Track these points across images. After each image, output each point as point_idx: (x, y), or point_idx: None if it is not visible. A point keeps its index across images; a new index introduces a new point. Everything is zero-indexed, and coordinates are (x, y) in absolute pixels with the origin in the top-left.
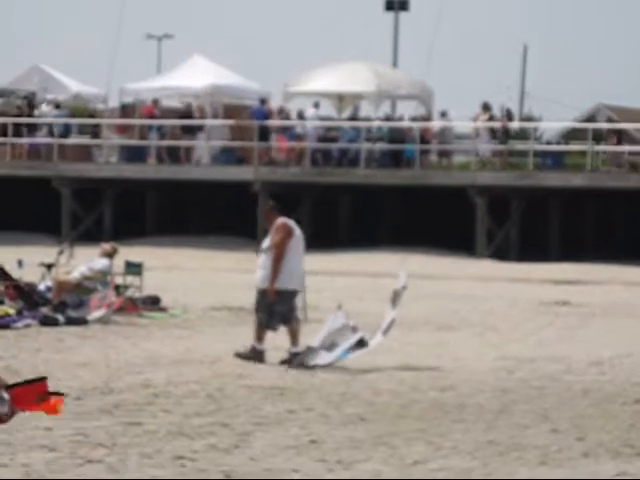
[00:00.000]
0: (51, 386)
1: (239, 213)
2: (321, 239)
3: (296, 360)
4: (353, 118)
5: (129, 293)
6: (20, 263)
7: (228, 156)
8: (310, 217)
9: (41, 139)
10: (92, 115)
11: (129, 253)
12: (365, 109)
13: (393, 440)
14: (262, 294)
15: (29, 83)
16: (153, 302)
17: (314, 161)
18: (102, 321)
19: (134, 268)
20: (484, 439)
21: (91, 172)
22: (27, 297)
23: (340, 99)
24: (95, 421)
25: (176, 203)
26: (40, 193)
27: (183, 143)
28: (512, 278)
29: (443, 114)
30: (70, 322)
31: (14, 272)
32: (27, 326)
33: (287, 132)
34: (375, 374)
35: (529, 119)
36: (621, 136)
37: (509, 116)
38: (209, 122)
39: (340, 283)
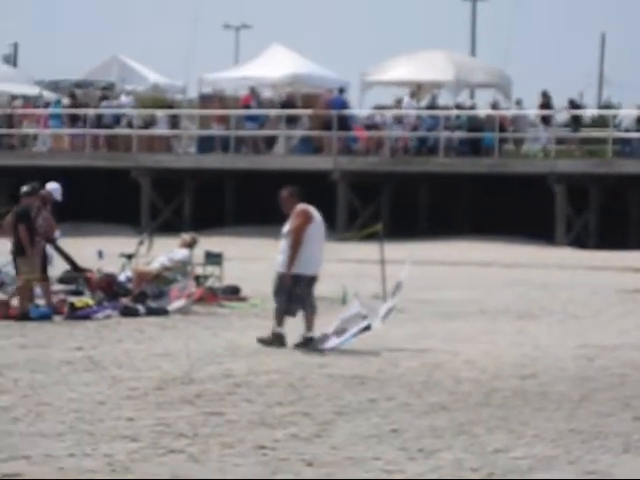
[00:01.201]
0: (132, 376)
1: (317, 203)
2: (400, 228)
3: (310, 345)
4: (431, 107)
5: (209, 283)
6: (100, 254)
7: (306, 146)
8: (389, 206)
9: (121, 130)
10: (170, 106)
11: (208, 243)
12: (443, 98)
13: (474, 429)
14: (281, 279)
15: (108, 74)
16: (233, 292)
17: (405, 150)
18: (182, 311)
19: (214, 258)
20: (566, 427)
21: (170, 162)
22: (106, 288)
23: (418, 88)
24: (176, 411)
25: (254, 193)
26: (120, 184)
27: (261, 133)
28: (592, 266)
29: (518, 102)
30: (150, 312)
31: (94, 263)
32: (107, 317)
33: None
34: (457, 362)
35: (608, 107)
36: None
37: (573, 105)
38: (287, 112)
39: (419, 272)
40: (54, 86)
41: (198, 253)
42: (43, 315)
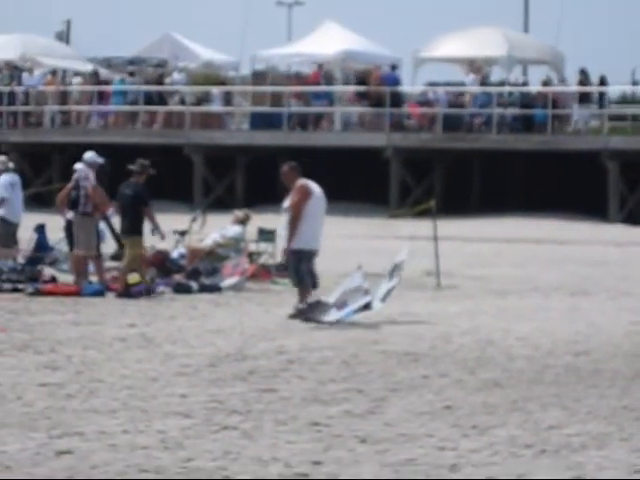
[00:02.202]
0: (185, 353)
1: (370, 179)
2: (453, 204)
3: (303, 314)
4: (484, 83)
5: (262, 260)
6: (153, 231)
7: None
8: (442, 183)
9: (174, 107)
10: (223, 83)
11: (261, 220)
12: (496, 74)
13: (528, 405)
14: (288, 255)
15: (160, 51)
16: (286, 269)
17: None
18: (235, 288)
19: (267, 235)
20: (619, 404)
21: (223, 139)
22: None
23: (471, 64)
24: (230, 388)
25: (307, 170)
26: (173, 161)
27: (314, 110)
28: None
29: (562, 80)
30: (203, 289)
31: (147, 240)
32: (161, 293)
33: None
34: (510, 339)
35: None
36: None
37: (602, 82)
38: (340, 88)
39: (471, 249)
40: (107, 63)
41: (251, 230)
42: (96, 292)
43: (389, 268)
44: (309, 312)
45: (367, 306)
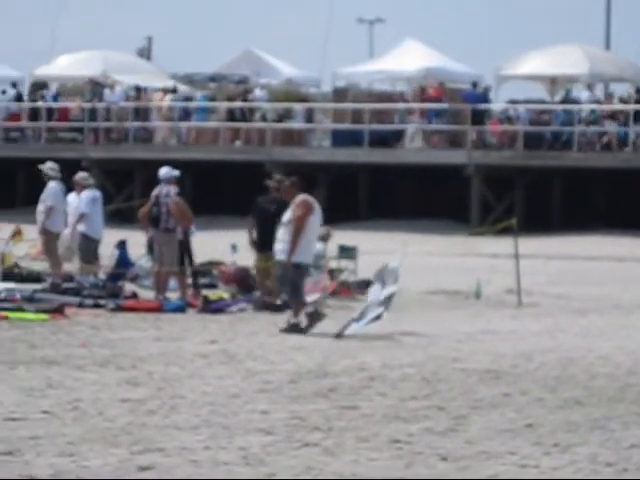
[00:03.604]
0: (267, 369)
1: (451, 197)
2: (534, 222)
3: (297, 328)
4: (565, 101)
5: (343, 277)
6: (234, 247)
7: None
8: (523, 200)
9: (256, 124)
10: (305, 99)
11: (342, 237)
12: (577, 91)
13: (609, 424)
14: (284, 268)
15: (241, 67)
16: (367, 286)
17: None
18: (316, 305)
19: (348, 252)
20: None
21: (304, 156)
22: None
23: (552, 82)
24: (311, 404)
25: (388, 187)
26: (254, 178)
27: (391, 127)
28: None
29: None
30: (284, 306)
31: (228, 256)
32: (242, 310)
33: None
34: (591, 358)
35: None
36: None
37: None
38: (422, 106)
39: (552, 267)
40: (188, 79)
41: (332, 247)
42: (177, 308)
43: (377, 274)
44: (309, 322)
45: (378, 317)
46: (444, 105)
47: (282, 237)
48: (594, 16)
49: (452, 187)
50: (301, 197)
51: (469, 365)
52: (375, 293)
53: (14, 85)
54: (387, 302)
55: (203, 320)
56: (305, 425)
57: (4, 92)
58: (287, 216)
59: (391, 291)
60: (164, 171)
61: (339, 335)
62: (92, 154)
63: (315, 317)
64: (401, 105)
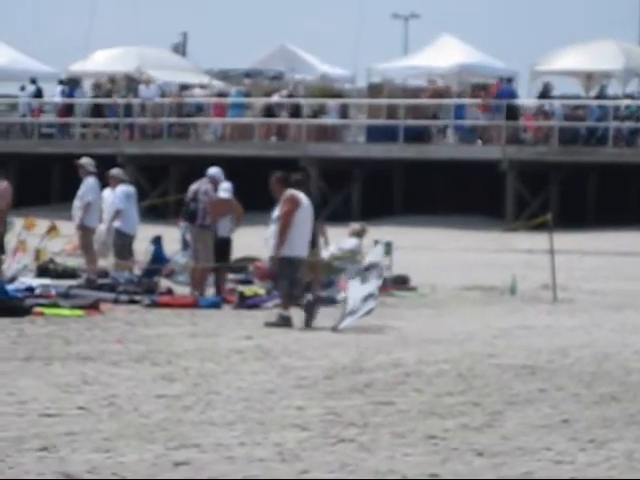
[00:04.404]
0: (302, 365)
1: (486, 192)
2: (569, 218)
3: (286, 321)
4: (600, 96)
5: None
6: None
7: (474, 135)
8: (558, 196)
9: (291, 119)
10: (339, 95)
11: (378, 232)
12: (612, 87)
13: None
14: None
15: (276, 63)
16: (402, 282)
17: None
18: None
19: (384, 247)
20: None
21: (339, 152)
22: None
23: (588, 77)
24: (346, 400)
25: (423, 182)
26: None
27: (425, 122)
28: None
29: None
30: (320, 302)
31: (263, 252)
32: (277, 306)
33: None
34: (626, 353)
35: None
36: None
37: None
38: (456, 101)
39: (588, 262)
40: (223, 75)
41: (367, 242)
42: (212, 304)
43: (356, 270)
44: (308, 311)
45: (370, 311)
46: (477, 101)
47: (272, 233)
48: (629, 11)
49: (487, 183)
50: (287, 193)
51: (504, 361)
52: (355, 289)
53: (33, 81)
54: (375, 296)
55: (238, 316)
56: (340, 421)
57: (23, 88)
58: (276, 212)
59: (375, 285)
60: (213, 171)
61: (334, 329)
62: (127, 150)
63: (310, 308)
64: (434, 101)
